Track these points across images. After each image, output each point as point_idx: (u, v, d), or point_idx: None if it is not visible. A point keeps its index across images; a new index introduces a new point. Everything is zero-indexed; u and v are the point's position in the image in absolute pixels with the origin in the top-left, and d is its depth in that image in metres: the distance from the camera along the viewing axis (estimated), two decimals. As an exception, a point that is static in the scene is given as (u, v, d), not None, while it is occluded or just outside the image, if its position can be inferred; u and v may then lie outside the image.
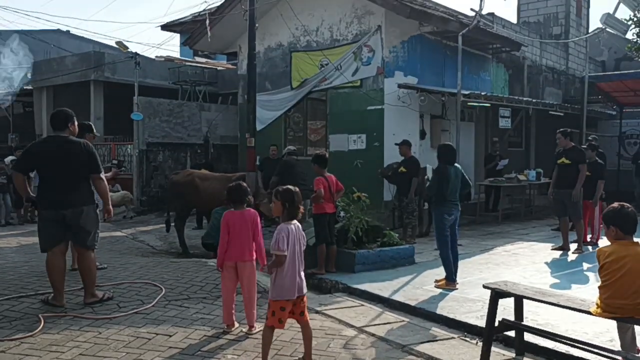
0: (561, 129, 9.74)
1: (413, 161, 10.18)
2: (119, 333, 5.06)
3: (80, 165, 5.80)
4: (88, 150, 5.86)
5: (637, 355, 4.07)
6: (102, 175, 5.98)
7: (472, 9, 11.78)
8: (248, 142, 10.67)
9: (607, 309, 3.92)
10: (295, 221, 4.52)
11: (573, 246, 9.36)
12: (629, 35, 20.99)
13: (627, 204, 4.12)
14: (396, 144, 10.55)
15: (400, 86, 12.34)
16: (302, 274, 4.50)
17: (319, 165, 7.86)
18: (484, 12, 12.84)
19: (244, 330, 5.22)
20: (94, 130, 7.79)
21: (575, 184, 9.10)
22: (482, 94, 13.12)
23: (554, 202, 9.88)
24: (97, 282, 6.19)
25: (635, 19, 20.83)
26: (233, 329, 5.24)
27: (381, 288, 6.84)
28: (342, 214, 8.16)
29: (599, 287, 4.00)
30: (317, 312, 6.01)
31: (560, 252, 9.30)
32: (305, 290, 4.50)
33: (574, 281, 7.34)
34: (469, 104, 12.72)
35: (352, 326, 5.55)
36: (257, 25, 11.18)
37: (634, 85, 16.58)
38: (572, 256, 9.11)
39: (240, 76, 15.51)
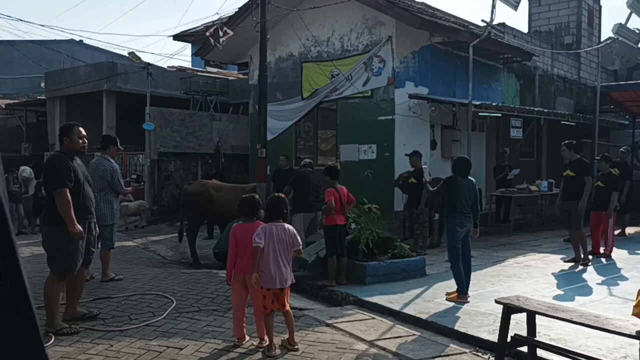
0: (565, 141, 9.74)
1: (422, 172, 10.13)
2: (130, 346, 5.08)
3: (44, 182, 5.70)
4: (45, 165, 5.63)
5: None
6: (59, 192, 5.31)
7: (482, 20, 11.78)
8: (259, 153, 10.71)
9: None
10: (282, 222, 5.14)
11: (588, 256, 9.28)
12: (641, 44, 20.95)
13: None
14: (406, 155, 10.54)
15: (411, 96, 12.35)
16: (288, 269, 5.05)
17: (330, 176, 7.86)
18: (494, 22, 12.82)
19: (254, 343, 5.22)
20: (118, 143, 7.84)
21: (581, 195, 9.08)
22: (493, 104, 13.08)
23: (560, 214, 9.86)
24: (109, 294, 6.21)
25: (648, 29, 20.76)
26: (244, 342, 5.24)
27: (392, 301, 6.81)
28: (352, 225, 8.13)
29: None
30: (327, 325, 5.99)
31: (572, 264, 9.24)
32: (287, 283, 5.05)
33: (587, 294, 7.27)
34: (480, 114, 12.69)
35: (363, 340, 5.53)
36: (268, 36, 11.25)
37: (646, 94, 16.47)
38: (582, 269, 9.03)
39: (251, 86, 15.59)
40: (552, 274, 8.62)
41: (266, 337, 5.18)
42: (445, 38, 12.68)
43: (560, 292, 7.43)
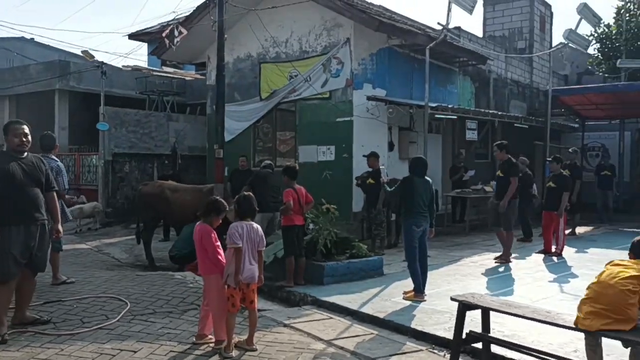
0: (497, 142, 10.03)
1: (380, 172, 10.21)
2: (82, 350, 4.94)
3: None
4: None
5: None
6: None
7: (439, 23, 11.96)
8: (217, 154, 10.59)
9: (590, 314, 3.94)
10: (250, 221, 5.20)
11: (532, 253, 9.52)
12: (590, 50, 21.72)
13: None
14: (364, 156, 10.62)
15: (369, 98, 12.42)
16: (256, 267, 5.09)
17: (289, 176, 7.84)
18: (450, 26, 13.02)
19: (211, 345, 5.15)
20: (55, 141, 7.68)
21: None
22: (449, 106, 13.28)
23: (490, 213, 10.14)
24: (60, 297, 6.02)
25: (595, 35, 21.52)
26: (204, 339, 5.19)
27: (350, 300, 6.84)
28: (311, 226, 8.13)
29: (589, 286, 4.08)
30: (285, 325, 5.97)
31: (500, 262, 9.43)
32: (255, 280, 5.09)
33: (539, 291, 7.45)
34: (436, 116, 12.87)
35: (321, 339, 5.53)
36: (226, 36, 11.14)
37: (595, 98, 17.05)
38: (535, 266, 9.27)
39: (208, 86, 15.41)
40: (507, 272, 8.80)
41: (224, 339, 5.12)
42: (402, 41, 12.81)
43: (514, 289, 7.59)
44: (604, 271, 4.06)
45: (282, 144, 14.46)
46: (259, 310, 6.41)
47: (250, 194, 5.50)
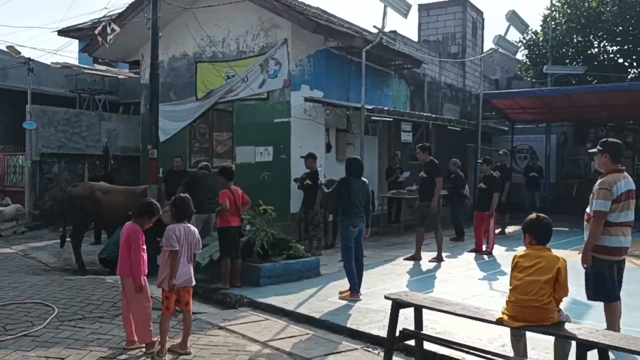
0: (420, 144, 10.25)
1: (317, 173, 10.26)
2: (4, 358, 4.71)
3: None
4: None
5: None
6: None
7: (375, 26, 12.14)
8: (150, 154, 10.34)
9: (514, 310, 4.08)
10: (187, 222, 5.14)
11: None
12: (519, 56, 22.56)
13: (544, 215, 4.37)
14: (302, 157, 10.64)
15: (306, 99, 12.47)
16: (191, 269, 5.07)
17: (225, 177, 7.76)
18: (386, 29, 13.24)
19: (142, 350, 5.02)
20: None
21: (433, 196, 9.52)
22: (385, 108, 13.51)
23: (414, 213, 10.35)
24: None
25: (524, 42, 22.40)
26: (135, 345, 5.06)
27: (286, 301, 6.83)
28: (247, 227, 8.07)
29: (510, 290, 4.19)
30: (220, 327, 5.90)
31: (413, 261, 9.63)
32: (192, 282, 5.08)
33: (470, 289, 7.67)
34: (372, 118, 13.06)
35: (256, 341, 5.49)
36: (160, 34, 10.89)
37: (523, 103, 17.75)
38: (467, 264, 9.54)
39: (142, 85, 15.05)
40: (441, 271, 9.01)
41: (155, 341, 5.02)
42: (339, 43, 12.93)
43: (446, 287, 7.78)
44: (519, 276, 4.11)
45: (219, 145, 14.30)
46: (193, 313, 6.30)
47: (187, 195, 5.42)
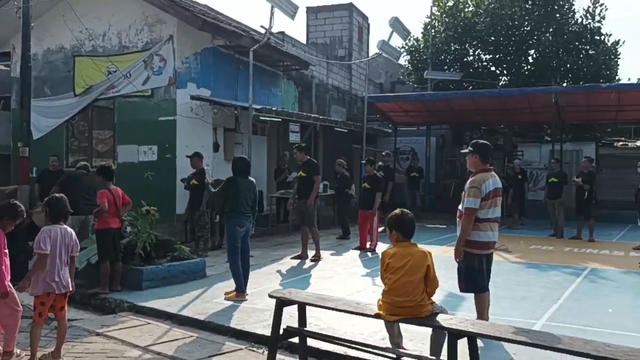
0: (296, 144, 10.47)
1: (204, 173, 10.11)
2: None
3: None
4: None
5: (402, 350, 4.50)
6: None
7: (262, 26, 12.15)
8: (21, 152, 9.65)
9: (390, 309, 4.23)
10: (63, 224, 4.95)
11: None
12: (402, 61, 23.59)
13: (407, 210, 4.54)
14: (187, 156, 10.42)
15: (192, 98, 12.21)
16: (67, 273, 4.87)
17: (103, 177, 7.43)
18: (275, 31, 13.30)
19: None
20: None
21: (310, 194, 9.67)
22: (274, 109, 13.56)
23: (294, 212, 10.54)
24: None
25: (406, 48, 23.42)
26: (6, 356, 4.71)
27: (170, 304, 6.65)
28: (128, 228, 7.76)
29: (384, 291, 4.33)
30: (98, 334, 5.64)
31: (301, 260, 9.76)
32: (69, 287, 4.88)
33: (354, 285, 7.89)
34: (261, 118, 13.05)
35: (136, 346, 5.31)
36: (32, 24, 10.19)
37: (405, 106, 18.54)
38: (351, 261, 9.80)
39: (13, 79, 13.98)
40: (326, 268, 9.18)
41: (17, 351, 4.71)
42: (227, 41, 12.80)
43: (331, 284, 7.93)
44: (393, 278, 4.21)
45: (99, 144, 13.64)
46: (69, 320, 5.98)
47: (62, 195, 5.17)
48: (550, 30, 21.15)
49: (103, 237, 7.20)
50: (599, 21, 21.50)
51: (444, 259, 7.93)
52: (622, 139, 21.19)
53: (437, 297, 6.00)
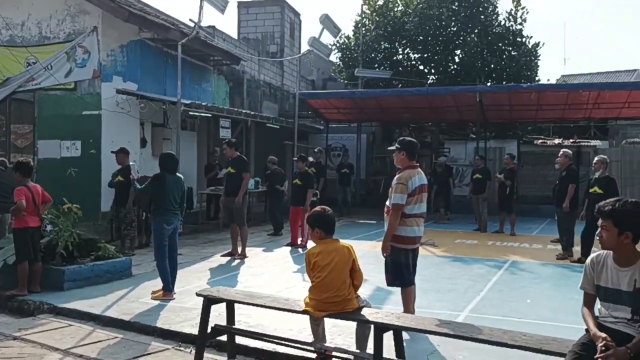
0: (226, 140, 10.41)
1: (130, 169, 9.82)
2: None
3: None
4: None
5: (327, 345, 4.54)
6: None
7: (191, 20, 11.93)
8: None
9: (317, 306, 4.26)
10: None
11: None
12: (333, 58, 23.75)
13: (327, 207, 4.58)
14: (113, 152, 10.11)
15: (118, 92, 11.84)
16: None
17: (21, 173, 7.08)
18: (205, 25, 13.09)
19: None
20: None
21: (239, 192, 9.56)
22: (204, 104, 13.34)
23: (223, 209, 10.48)
24: None
25: (337, 45, 23.60)
26: None
27: (93, 305, 6.43)
28: (48, 227, 7.44)
29: (311, 287, 4.34)
30: (15, 338, 5.39)
31: (231, 257, 9.63)
32: None
33: (286, 281, 7.89)
34: (190, 113, 12.81)
35: (57, 349, 5.10)
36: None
37: (337, 103, 18.71)
38: (282, 258, 9.81)
39: None
40: (256, 265, 9.14)
41: None
42: (154, 34, 12.49)
43: (261, 281, 7.91)
44: (320, 275, 4.22)
45: (18, 138, 13.01)
46: (-18, 324, 5.70)
47: None
48: (476, 31, 21.85)
49: (20, 236, 6.86)
50: (520, 24, 22.41)
51: (372, 254, 8.09)
52: (542, 137, 22.20)
53: (366, 292, 6.15)
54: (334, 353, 4.41)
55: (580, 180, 9.81)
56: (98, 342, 5.37)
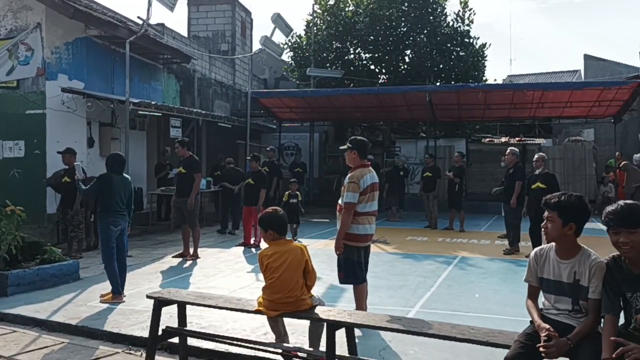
0: (178, 139, 10.32)
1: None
2: None
3: None
4: None
5: (288, 345, 4.54)
6: None
7: (139, 17, 11.70)
8: None
9: (271, 306, 4.25)
10: None
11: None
12: (285, 57, 23.71)
13: (279, 208, 4.58)
14: (59, 153, 9.82)
15: (64, 90, 11.51)
16: None
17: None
18: (154, 22, 12.85)
19: None
20: None
21: (191, 192, 9.45)
22: (153, 103, 13.10)
23: (175, 210, 10.39)
24: None
25: (289, 44, 23.60)
26: None
27: (39, 310, 6.23)
28: (-12, 231, 7.18)
29: (264, 288, 4.32)
30: (-45, 347, 5.16)
31: (183, 258, 9.51)
32: None
33: (239, 281, 7.84)
34: (139, 112, 12.57)
35: (0, 357, 4.92)
36: None
37: (289, 102, 18.71)
38: (235, 258, 9.75)
39: None
40: (208, 266, 9.05)
41: None
42: (101, 32, 12.18)
43: (214, 281, 7.84)
44: (273, 276, 4.22)
45: (-43, 139, 12.48)
46: None
47: None
48: (425, 32, 22.22)
49: (-40, 240, 6.60)
50: (467, 25, 22.92)
51: (326, 252, 8.14)
52: (489, 135, 22.78)
53: (319, 290, 6.18)
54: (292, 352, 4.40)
55: (525, 177, 10.12)
56: (44, 347, 5.20)
